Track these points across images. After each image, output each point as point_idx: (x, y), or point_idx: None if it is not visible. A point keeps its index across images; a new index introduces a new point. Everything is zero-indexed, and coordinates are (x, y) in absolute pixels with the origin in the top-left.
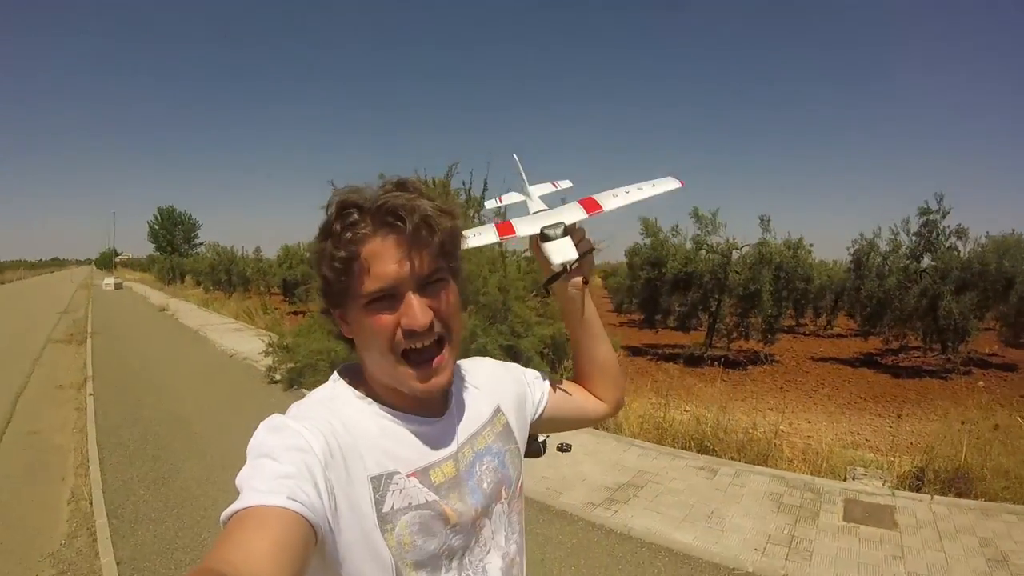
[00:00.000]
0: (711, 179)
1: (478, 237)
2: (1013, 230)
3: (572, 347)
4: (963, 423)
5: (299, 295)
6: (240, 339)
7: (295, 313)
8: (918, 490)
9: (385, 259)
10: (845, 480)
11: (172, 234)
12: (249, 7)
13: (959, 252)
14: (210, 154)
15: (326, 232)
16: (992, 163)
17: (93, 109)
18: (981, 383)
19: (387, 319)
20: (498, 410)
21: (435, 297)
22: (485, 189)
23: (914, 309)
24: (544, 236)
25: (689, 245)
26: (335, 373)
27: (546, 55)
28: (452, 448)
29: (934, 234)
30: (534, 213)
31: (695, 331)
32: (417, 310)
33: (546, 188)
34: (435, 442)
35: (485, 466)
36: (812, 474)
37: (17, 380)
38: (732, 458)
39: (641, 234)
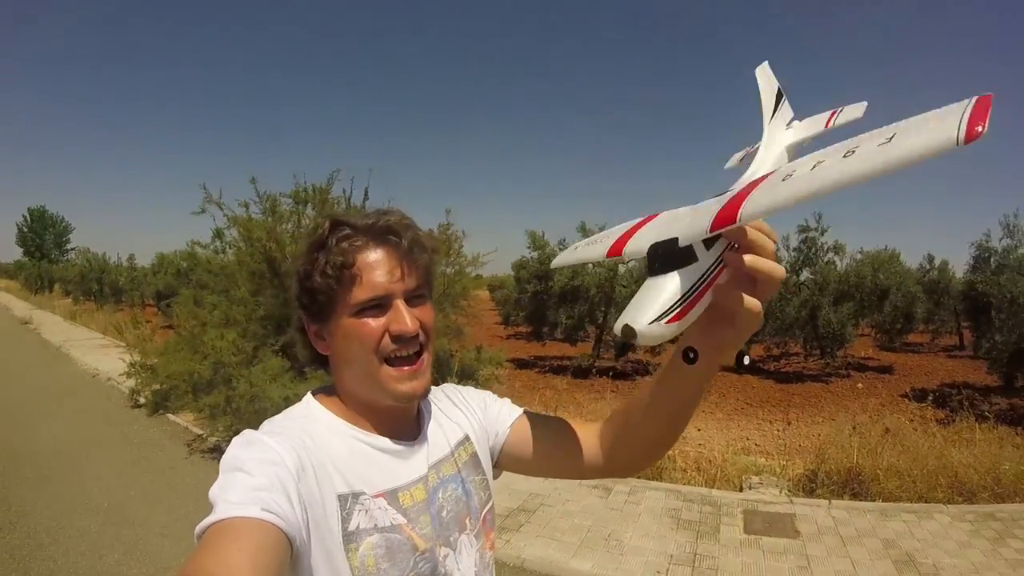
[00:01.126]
0: (596, 189)
1: (591, 248)
2: (886, 246)
3: (645, 393)
4: (854, 428)
5: (169, 308)
6: (106, 357)
7: (168, 327)
8: (812, 493)
9: (377, 270)
10: (742, 490)
11: (42, 238)
12: None
13: (836, 266)
14: (85, 152)
15: (319, 245)
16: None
17: None
18: (860, 385)
19: (375, 324)
20: (466, 439)
21: (417, 309)
22: (366, 199)
23: (795, 319)
24: (651, 262)
25: None
26: (308, 394)
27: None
28: (422, 471)
29: (813, 250)
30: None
31: (582, 343)
32: (407, 317)
33: (814, 126)
34: (405, 465)
35: (448, 494)
36: (708, 485)
37: None
38: None
39: (528, 248)
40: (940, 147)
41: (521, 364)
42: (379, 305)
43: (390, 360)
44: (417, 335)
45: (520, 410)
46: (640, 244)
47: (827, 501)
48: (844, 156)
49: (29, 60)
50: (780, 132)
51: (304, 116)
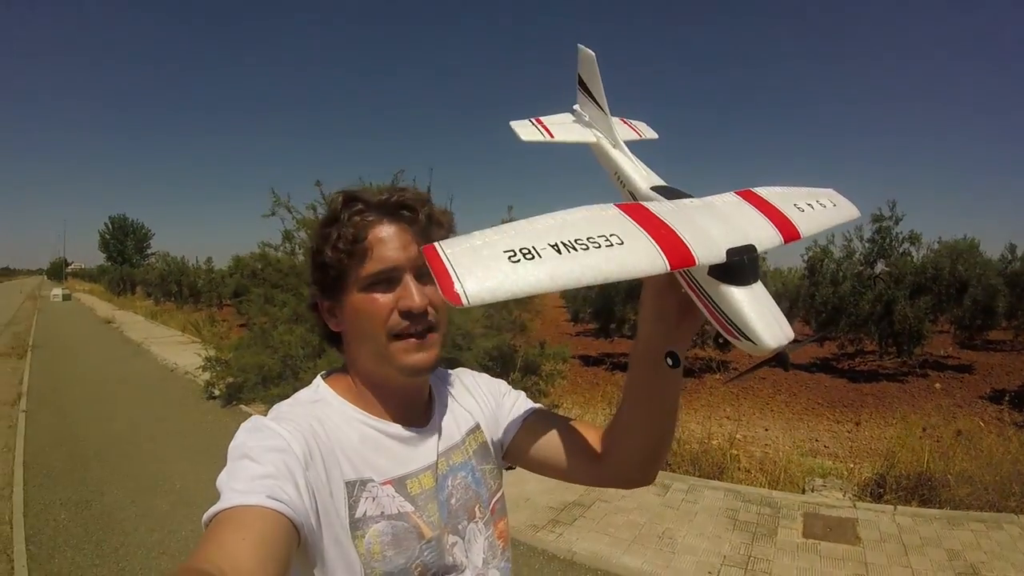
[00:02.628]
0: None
1: (617, 257)
2: (965, 235)
3: (624, 400)
4: (924, 430)
5: (243, 306)
6: (183, 353)
7: (243, 325)
8: (879, 498)
9: (388, 244)
10: (804, 492)
11: (123, 244)
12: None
13: (913, 258)
14: (164, 162)
15: (332, 219)
16: (944, 169)
17: (45, 115)
18: (937, 385)
19: (384, 299)
20: (476, 427)
21: (428, 288)
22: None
23: (869, 314)
24: (726, 271)
25: None
26: (318, 377)
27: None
28: (431, 459)
29: (887, 240)
30: (660, 188)
31: None
32: (415, 292)
33: (623, 131)
34: (415, 452)
35: (458, 482)
36: (770, 486)
37: None
38: (687, 472)
39: None
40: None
41: (588, 361)
42: (388, 280)
43: (399, 336)
44: (426, 312)
45: (533, 406)
46: (711, 252)
47: (892, 507)
48: (834, 204)
49: (110, 77)
50: (616, 124)
51: (373, 116)
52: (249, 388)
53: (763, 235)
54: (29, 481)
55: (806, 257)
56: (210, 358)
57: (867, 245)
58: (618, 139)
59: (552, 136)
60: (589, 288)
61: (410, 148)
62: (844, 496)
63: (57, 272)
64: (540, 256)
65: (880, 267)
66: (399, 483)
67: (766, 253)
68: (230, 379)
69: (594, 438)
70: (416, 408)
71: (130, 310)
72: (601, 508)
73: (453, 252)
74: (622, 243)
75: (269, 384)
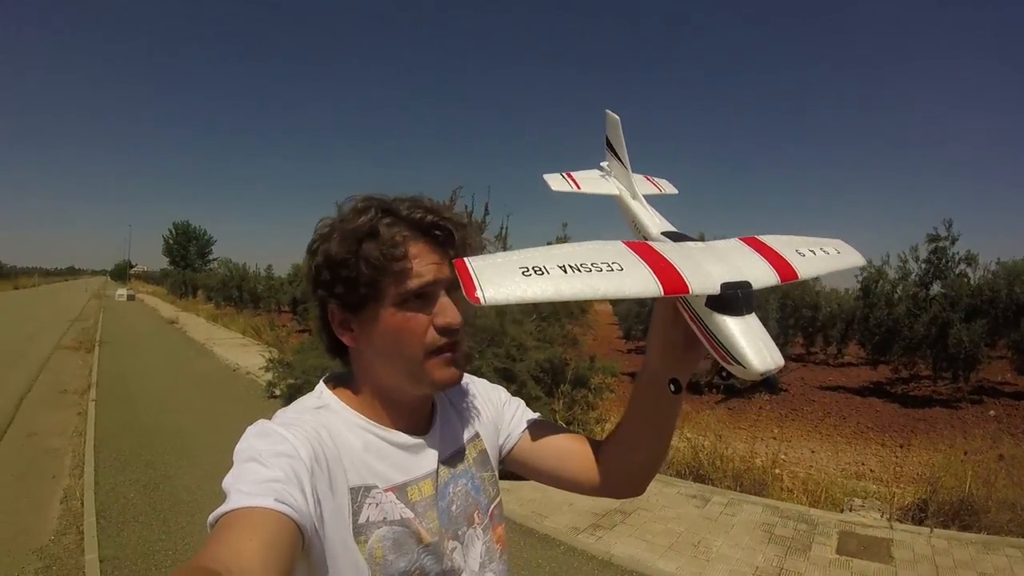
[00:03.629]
0: (712, 200)
1: (616, 280)
2: None
3: (625, 420)
4: (966, 454)
5: (299, 313)
6: (245, 354)
7: (302, 331)
8: (920, 523)
9: (424, 260)
10: (842, 512)
11: (186, 249)
12: (277, 24)
13: (969, 279)
14: (227, 170)
15: (365, 231)
16: (1002, 188)
17: (115, 122)
18: (992, 412)
19: (422, 318)
20: (476, 435)
21: (458, 303)
22: (487, 214)
23: (923, 337)
24: (720, 303)
25: None
26: (320, 383)
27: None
28: (432, 466)
29: (943, 261)
30: (670, 233)
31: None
32: (454, 308)
33: (645, 187)
34: (416, 459)
35: (458, 489)
36: (810, 505)
37: (23, 384)
38: (728, 487)
39: None
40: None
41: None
42: (422, 296)
43: (434, 352)
44: (460, 327)
45: (533, 415)
46: (706, 284)
47: (929, 529)
48: (838, 252)
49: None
50: (638, 180)
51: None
52: (310, 388)
53: (759, 274)
54: (100, 463)
55: (860, 278)
56: (273, 359)
57: (922, 266)
58: (637, 192)
59: (579, 188)
60: (641, 305)
61: (470, 167)
62: (882, 517)
63: (121, 273)
64: (549, 273)
65: (936, 288)
66: (400, 490)
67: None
68: (291, 380)
69: (591, 450)
70: (419, 416)
71: (192, 312)
72: (642, 516)
73: (478, 265)
74: (622, 269)
75: None
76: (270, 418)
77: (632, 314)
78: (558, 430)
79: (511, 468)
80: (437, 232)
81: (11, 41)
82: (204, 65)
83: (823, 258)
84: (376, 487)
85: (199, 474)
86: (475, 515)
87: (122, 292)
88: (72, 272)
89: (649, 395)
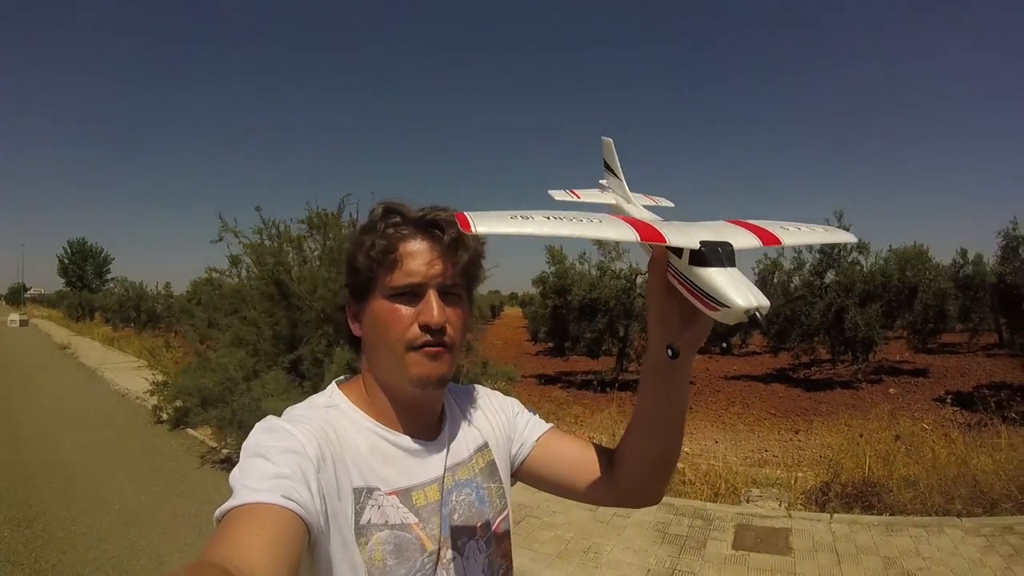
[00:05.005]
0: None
1: (589, 227)
2: (915, 242)
3: (634, 417)
4: (861, 436)
5: (185, 329)
6: (137, 378)
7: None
8: (824, 507)
9: (418, 259)
10: (739, 504)
11: (83, 268)
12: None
13: (862, 266)
14: (124, 186)
15: (369, 227)
16: (891, 177)
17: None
18: (892, 390)
19: (407, 312)
20: (484, 446)
21: (450, 308)
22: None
23: (820, 323)
24: (701, 257)
25: (594, 272)
26: (332, 383)
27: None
28: (438, 473)
29: (836, 250)
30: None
31: (605, 356)
32: (436, 308)
33: (643, 201)
34: (422, 464)
35: (462, 498)
36: (711, 498)
37: None
38: None
39: (547, 262)
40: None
41: (547, 380)
42: (413, 293)
43: (414, 348)
44: (444, 328)
45: (548, 426)
46: (684, 240)
47: (828, 515)
48: (825, 230)
49: (65, 97)
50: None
51: (318, 141)
52: (196, 412)
53: (741, 238)
54: None
55: (756, 270)
56: (157, 382)
57: (816, 255)
58: (631, 198)
59: (578, 198)
60: (542, 306)
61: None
62: (780, 506)
63: (15, 297)
64: (533, 219)
65: (830, 277)
66: (404, 494)
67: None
68: (178, 403)
69: (606, 458)
70: (427, 421)
71: (87, 336)
72: (530, 524)
73: (475, 214)
74: (602, 223)
75: (208, 406)
76: (169, 452)
77: (539, 316)
78: (571, 440)
79: (525, 481)
80: (436, 231)
81: None
82: (95, 77)
83: (808, 232)
84: (379, 489)
85: (75, 509)
86: (478, 527)
87: (14, 317)
88: None
89: (654, 380)
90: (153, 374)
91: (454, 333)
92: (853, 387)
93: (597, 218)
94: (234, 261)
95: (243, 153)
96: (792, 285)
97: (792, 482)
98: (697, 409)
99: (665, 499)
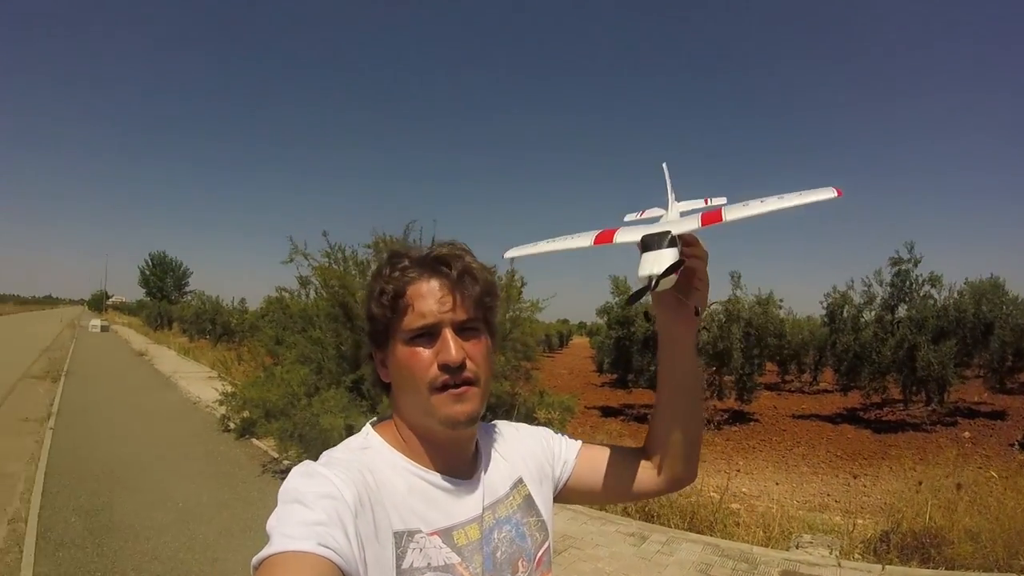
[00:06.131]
0: None
1: (568, 241)
2: (991, 274)
3: (656, 398)
4: (920, 483)
5: (253, 344)
6: (208, 388)
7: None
8: (881, 557)
9: (428, 299)
10: (788, 549)
11: (162, 280)
12: (248, 53)
13: (935, 300)
14: (206, 202)
15: (378, 274)
16: (965, 209)
17: (94, 151)
18: (966, 433)
19: (426, 354)
20: (520, 481)
21: (469, 342)
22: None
23: (891, 361)
24: (644, 245)
25: None
26: (367, 424)
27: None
28: (478, 511)
29: (907, 283)
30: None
31: None
32: (452, 346)
33: (696, 204)
34: (461, 503)
35: (503, 535)
36: (764, 542)
37: None
38: (676, 525)
39: (611, 292)
40: (825, 199)
41: (610, 412)
42: (429, 334)
43: (439, 389)
44: (463, 365)
45: (579, 442)
46: (630, 237)
47: (881, 567)
48: (778, 198)
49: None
50: (675, 204)
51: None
52: (261, 424)
53: (682, 225)
54: (48, 489)
55: (825, 304)
56: (226, 393)
57: (887, 289)
58: (671, 207)
59: (642, 216)
60: (607, 337)
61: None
62: (830, 554)
63: (98, 304)
64: (536, 245)
65: (902, 311)
66: (446, 534)
67: (683, 236)
68: (245, 414)
69: (639, 452)
70: (462, 460)
71: (164, 345)
72: (571, 555)
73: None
74: (576, 237)
75: (271, 418)
76: (233, 459)
77: (605, 347)
78: (602, 447)
79: (572, 500)
80: (443, 267)
81: None
82: (178, 102)
83: (773, 202)
84: (420, 531)
85: (139, 503)
86: (520, 562)
87: (96, 323)
88: (50, 301)
89: (668, 354)
90: (223, 385)
91: (476, 367)
92: (925, 430)
93: (576, 236)
94: (303, 282)
95: (319, 178)
96: (862, 320)
97: (850, 529)
98: (760, 449)
99: (711, 539)
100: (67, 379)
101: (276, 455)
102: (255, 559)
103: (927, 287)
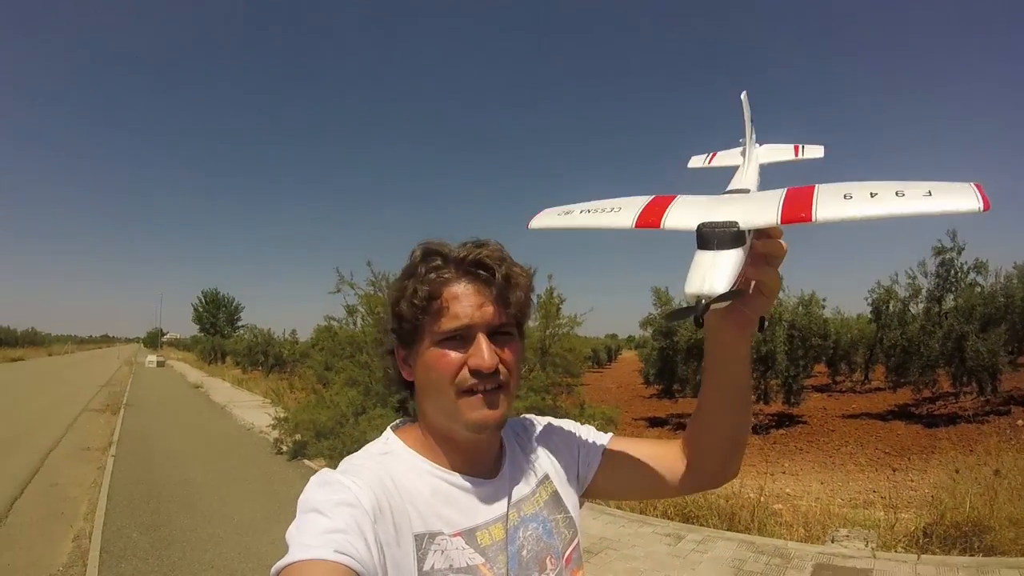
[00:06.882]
0: None
1: (606, 216)
2: None
3: (699, 401)
4: (957, 471)
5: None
6: (261, 415)
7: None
8: (924, 549)
9: (464, 302)
10: (823, 543)
11: (215, 316)
12: (314, 90)
13: (981, 288)
14: (255, 238)
15: (410, 273)
16: (1008, 190)
17: (146, 194)
18: (1020, 422)
19: (456, 357)
20: (546, 478)
21: (501, 348)
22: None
23: (940, 353)
24: (702, 238)
25: None
26: (388, 428)
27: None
28: (502, 510)
29: (952, 272)
30: (726, 192)
31: None
32: (486, 352)
33: (783, 153)
34: (485, 503)
35: (529, 533)
36: (804, 538)
37: (50, 441)
38: (715, 526)
39: (654, 303)
40: (966, 210)
41: (656, 422)
42: (462, 337)
43: (467, 392)
44: (496, 372)
45: (608, 435)
46: (683, 221)
47: (916, 556)
48: (896, 194)
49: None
50: (756, 152)
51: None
52: (312, 445)
53: (757, 216)
54: (111, 509)
55: (870, 300)
56: (279, 418)
57: (933, 280)
58: (751, 156)
59: (710, 163)
60: (652, 349)
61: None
62: (866, 546)
63: (153, 341)
64: (571, 213)
65: (950, 301)
66: (469, 535)
67: (750, 228)
68: (297, 436)
69: (674, 446)
70: (487, 460)
71: (219, 377)
72: (607, 556)
73: (542, 212)
74: (619, 210)
75: (322, 438)
76: (283, 479)
77: (651, 358)
78: (637, 440)
79: (600, 495)
80: (481, 271)
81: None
82: (231, 137)
83: (889, 202)
84: (442, 533)
85: (197, 519)
86: (547, 560)
87: (152, 359)
88: (106, 339)
89: (719, 361)
90: (276, 411)
91: (507, 372)
92: (978, 421)
93: (620, 207)
94: (350, 311)
95: (365, 210)
96: (909, 313)
97: (892, 523)
98: (807, 451)
99: (747, 537)
100: (126, 411)
101: None
102: (274, 568)
103: (972, 274)
